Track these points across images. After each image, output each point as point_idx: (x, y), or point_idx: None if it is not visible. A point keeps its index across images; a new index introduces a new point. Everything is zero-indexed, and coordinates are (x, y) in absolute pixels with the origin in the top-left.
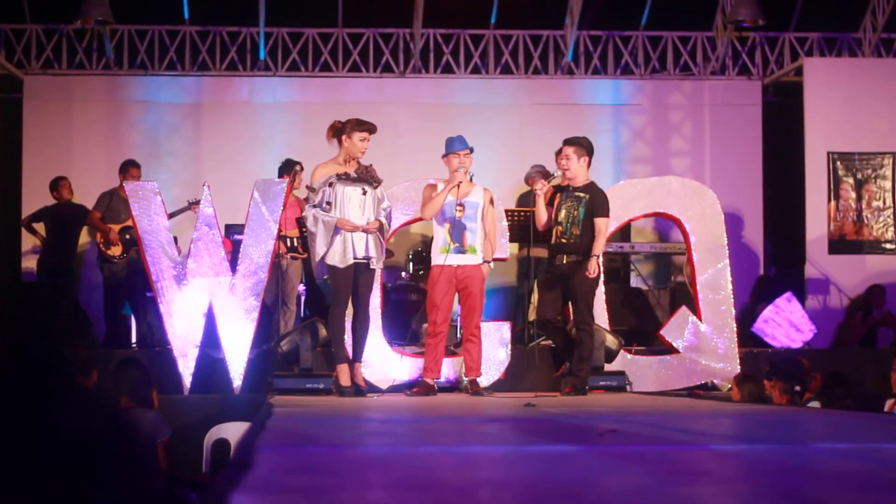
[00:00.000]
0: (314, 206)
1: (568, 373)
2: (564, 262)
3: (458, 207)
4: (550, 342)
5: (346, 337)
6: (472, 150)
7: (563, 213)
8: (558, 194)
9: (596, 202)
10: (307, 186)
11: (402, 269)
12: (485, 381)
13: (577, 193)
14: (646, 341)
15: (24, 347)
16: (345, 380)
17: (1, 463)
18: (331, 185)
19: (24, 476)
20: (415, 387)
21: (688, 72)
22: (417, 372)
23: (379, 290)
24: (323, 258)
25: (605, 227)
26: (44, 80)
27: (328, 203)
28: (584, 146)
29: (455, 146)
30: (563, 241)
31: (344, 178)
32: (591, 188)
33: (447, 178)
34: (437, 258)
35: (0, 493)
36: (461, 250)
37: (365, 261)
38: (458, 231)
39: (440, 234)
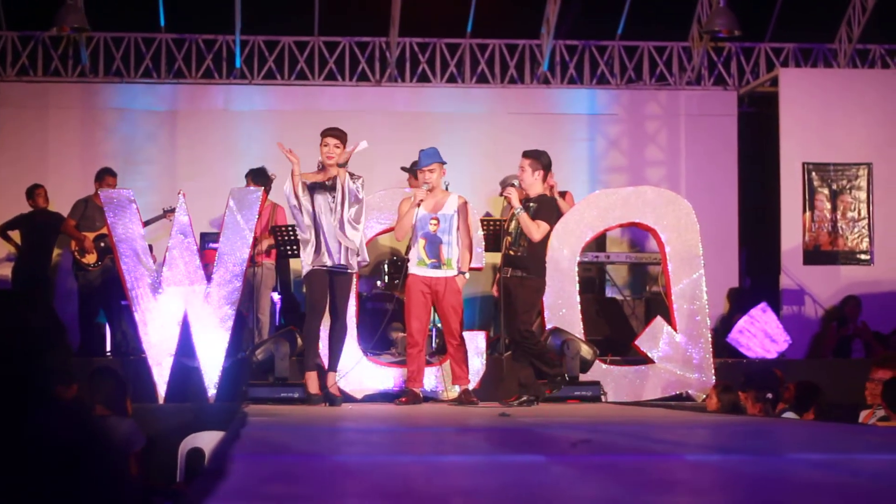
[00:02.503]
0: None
1: (546, 378)
2: (509, 274)
3: (432, 221)
4: None
5: (320, 345)
6: (443, 163)
7: (513, 224)
8: (515, 205)
9: (540, 208)
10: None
11: (377, 277)
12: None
13: (528, 204)
14: (621, 351)
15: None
16: (313, 387)
17: None
18: (304, 190)
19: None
20: (402, 396)
21: (663, 82)
22: (393, 381)
23: (354, 299)
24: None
25: (543, 229)
26: (19, 88)
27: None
28: (539, 160)
29: (420, 162)
30: (511, 252)
31: (316, 187)
32: (541, 199)
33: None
34: (413, 268)
35: None
36: (437, 265)
37: (340, 268)
38: (433, 246)
39: (415, 250)
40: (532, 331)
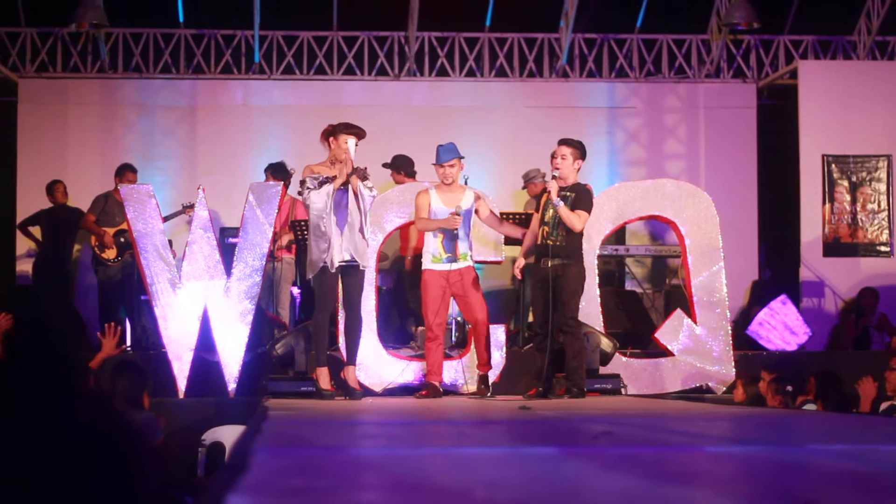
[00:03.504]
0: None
1: (538, 375)
2: (549, 265)
3: (454, 215)
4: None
5: (341, 340)
6: (461, 158)
7: (549, 213)
8: (545, 195)
9: (579, 198)
10: (300, 181)
11: (397, 271)
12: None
13: (563, 193)
14: (641, 344)
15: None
16: (324, 383)
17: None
18: (321, 183)
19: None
20: (422, 389)
21: (682, 75)
22: (412, 374)
23: (374, 293)
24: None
25: (584, 218)
26: (38, 84)
27: (308, 190)
28: (579, 149)
29: (439, 157)
30: (549, 242)
31: (329, 180)
32: (577, 187)
33: (439, 183)
34: (428, 264)
35: (6, 491)
36: (453, 259)
37: (352, 263)
38: (450, 241)
39: (432, 244)
40: (578, 320)
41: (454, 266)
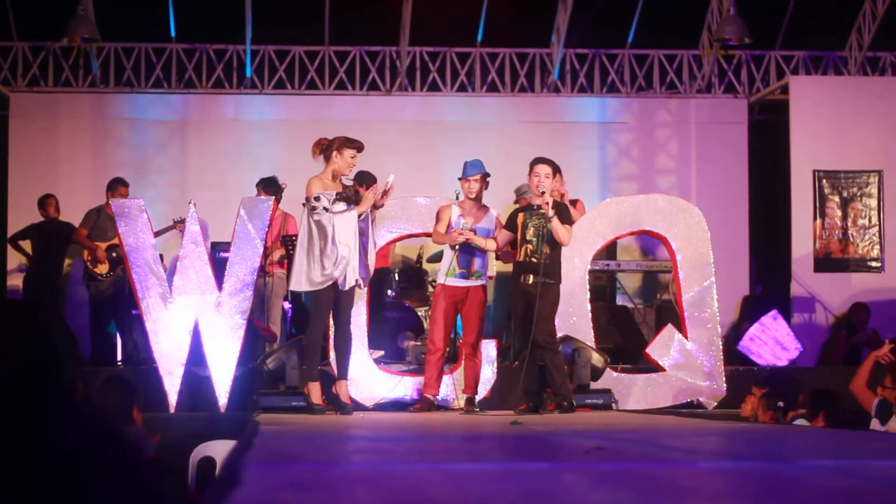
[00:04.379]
0: (327, 210)
1: (526, 392)
2: (531, 280)
3: (457, 232)
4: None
5: (331, 356)
6: (487, 175)
7: (531, 231)
8: (521, 214)
9: (562, 213)
10: (308, 198)
11: (387, 286)
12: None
13: (541, 211)
14: (632, 359)
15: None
16: (315, 397)
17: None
18: (333, 201)
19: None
20: (416, 403)
21: (674, 90)
22: (404, 389)
23: (365, 308)
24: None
25: (570, 233)
26: (30, 98)
27: (325, 209)
28: (555, 166)
29: (466, 171)
30: (534, 259)
31: (341, 197)
32: (559, 204)
33: (461, 200)
34: (442, 278)
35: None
36: (466, 276)
37: (359, 283)
38: (466, 257)
39: (448, 257)
40: (555, 336)
41: (466, 283)
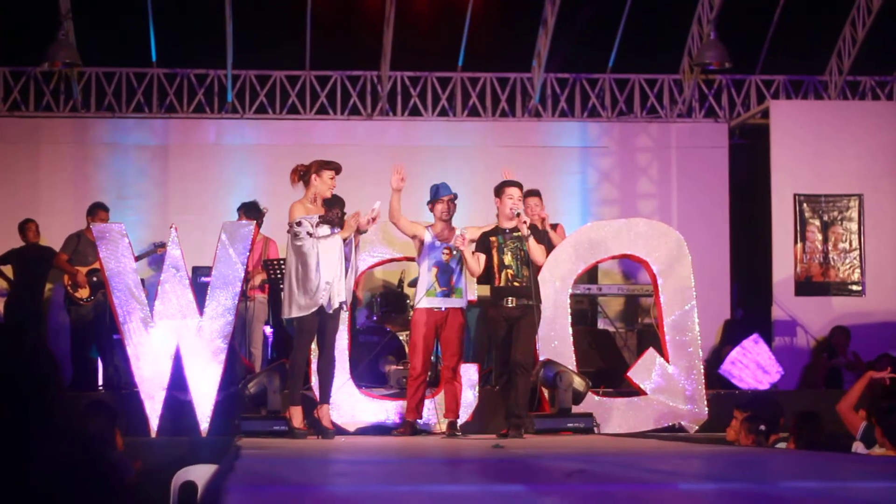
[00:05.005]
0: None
1: (508, 415)
2: (514, 304)
3: (444, 251)
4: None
5: (313, 380)
6: (455, 196)
7: (508, 256)
8: (493, 238)
9: (536, 234)
10: (291, 223)
11: (369, 311)
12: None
13: (515, 234)
14: (613, 383)
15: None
16: (297, 421)
17: None
18: (316, 225)
19: None
20: (399, 427)
21: (655, 114)
22: (385, 414)
23: (346, 333)
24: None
25: (544, 253)
26: (11, 123)
27: (308, 234)
28: (523, 189)
29: (441, 192)
30: (515, 284)
31: (323, 220)
32: (530, 227)
33: (432, 222)
34: (422, 301)
35: None
36: (447, 293)
37: (342, 307)
38: (445, 275)
39: (426, 278)
40: (535, 361)
41: (448, 303)
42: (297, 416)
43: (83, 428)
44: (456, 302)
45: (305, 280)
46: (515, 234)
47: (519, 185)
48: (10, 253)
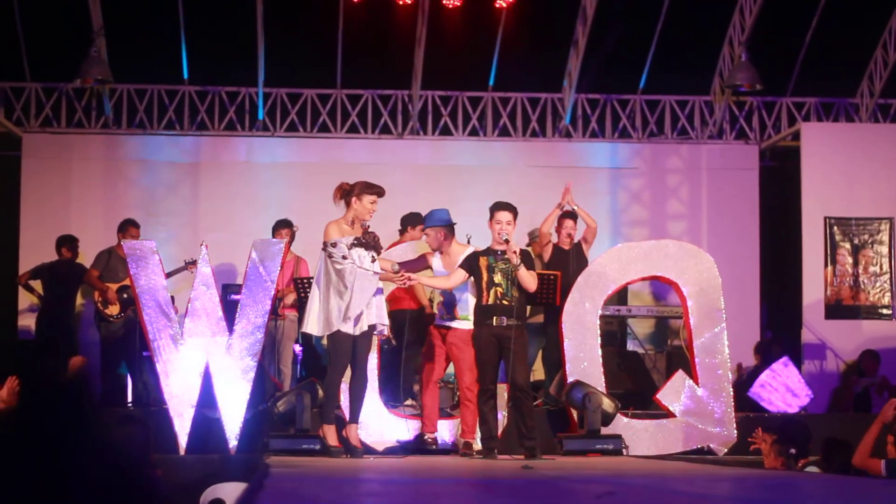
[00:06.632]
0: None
1: (519, 437)
2: (505, 323)
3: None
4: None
5: (342, 398)
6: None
7: (498, 276)
8: (483, 258)
9: (527, 261)
10: (327, 242)
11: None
12: (480, 443)
13: (506, 257)
14: (642, 405)
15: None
16: (332, 439)
17: None
18: (350, 247)
19: None
20: (464, 449)
21: (685, 136)
22: (413, 433)
23: (376, 352)
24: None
25: (535, 279)
26: (42, 139)
27: (343, 258)
28: (515, 213)
29: (434, 219)
30: (505, 302)
31: (358, 243)
32: (523, 252)
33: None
34: (467, 323)
35: None
36: (451, 319)
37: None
38: (450, 305)
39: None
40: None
41: (453, 324)
42: (331, 434)
43: (121, 443)
44: (461, 324)
45: (339, 298)
46: (506, 256)
47: (509, 209)
48: (41, 268)
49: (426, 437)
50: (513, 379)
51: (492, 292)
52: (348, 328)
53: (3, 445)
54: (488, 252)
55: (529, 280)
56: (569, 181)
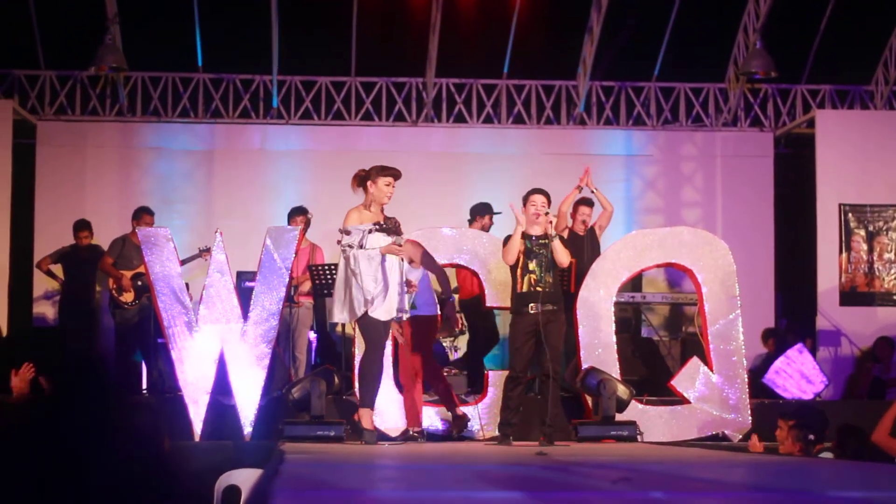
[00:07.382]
0: (351, 247)
1: (541, 423)
2: (539, 310)
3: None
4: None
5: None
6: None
7: (533, 262)
8: (522, 240)
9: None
10: (341, 229)
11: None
12: (494, 429)
13: (542, 241)
14: (657, 391)
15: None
16: (367, 423)
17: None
18: (369, 232)
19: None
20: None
21: (700, 123)
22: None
23: (390, 339)
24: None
25: (568, 255)
26: (57, 126)
27: (361, 246)
28: (550, 197)
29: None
30: (539, 289)
31: (379, 228)
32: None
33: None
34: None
35: None
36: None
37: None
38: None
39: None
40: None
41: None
42: (366, 418)
43: (145, 427)
44: (414, 312)
45: (361, 285)
46: (542, 240)
47: (544, 193)
48: (62, 253)
49: (411, 431)
50: (544, 364)
51: (525, 280)
52: (375, 313)
53: (21, 433)
54: (524, 237)
55: (563, 254)
56: (587, 164)
